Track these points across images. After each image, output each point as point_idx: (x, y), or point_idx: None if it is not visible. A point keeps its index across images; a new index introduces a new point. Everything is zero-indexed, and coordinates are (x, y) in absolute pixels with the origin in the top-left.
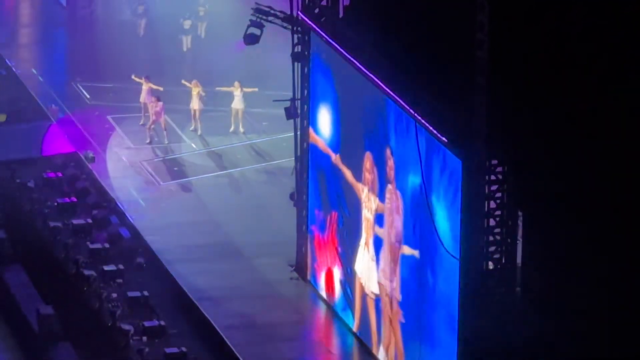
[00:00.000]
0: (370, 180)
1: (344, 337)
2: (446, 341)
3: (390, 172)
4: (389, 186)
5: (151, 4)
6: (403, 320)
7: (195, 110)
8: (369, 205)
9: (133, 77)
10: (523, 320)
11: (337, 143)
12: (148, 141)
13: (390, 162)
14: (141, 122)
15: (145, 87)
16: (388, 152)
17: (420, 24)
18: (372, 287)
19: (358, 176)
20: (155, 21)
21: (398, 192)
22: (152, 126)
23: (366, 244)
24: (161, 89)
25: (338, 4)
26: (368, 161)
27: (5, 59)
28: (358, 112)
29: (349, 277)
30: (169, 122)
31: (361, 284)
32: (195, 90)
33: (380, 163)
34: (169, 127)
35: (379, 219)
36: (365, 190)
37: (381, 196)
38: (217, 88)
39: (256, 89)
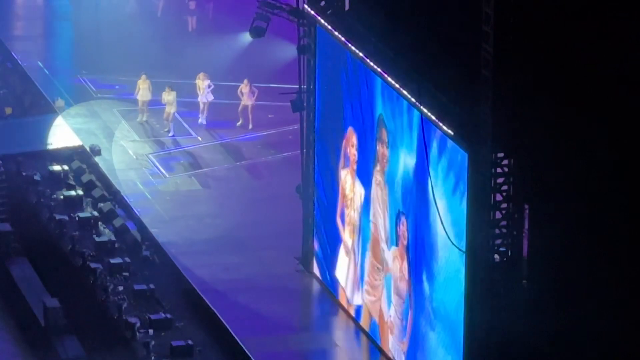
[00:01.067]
0: (355, 160)
1: (349, 329)
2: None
3: (383, 160)
4: (377, 176)
5: None
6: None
7: (204, 104)
8: (354, 203)
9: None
10: (529, 313)
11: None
12: (167, 129)
13: (383, 150)
14: (138, 119)
15: (143, 85)
16: (384, 134)
17: (426, 17)
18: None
19: (336, 161)
20: (161, 15)
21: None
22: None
23: (350, 249)
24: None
25: None
26: (353, 136)
27: (11, 51)
28: (346, 94)
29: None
30: (176, 115)
31: (345, 295)
32: (204, 83)
33: (363, 145)
34: (176, 119)
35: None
36: (349, 180)
37: (364, 182)
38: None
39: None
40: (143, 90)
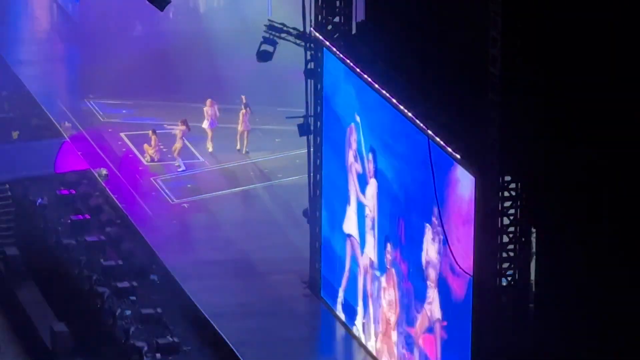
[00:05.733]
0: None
1: (358, 354)
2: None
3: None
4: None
5: (165, 17)
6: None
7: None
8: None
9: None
10: (537, 337)
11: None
12: (178, 165)
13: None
14: (146, 159)
15: (152, 136)
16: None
17: (433, 40)
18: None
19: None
20: (169, 36)
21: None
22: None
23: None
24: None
25: (351, 20)
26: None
27: (19, 75)
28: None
29: None
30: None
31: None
32: (211, 111)
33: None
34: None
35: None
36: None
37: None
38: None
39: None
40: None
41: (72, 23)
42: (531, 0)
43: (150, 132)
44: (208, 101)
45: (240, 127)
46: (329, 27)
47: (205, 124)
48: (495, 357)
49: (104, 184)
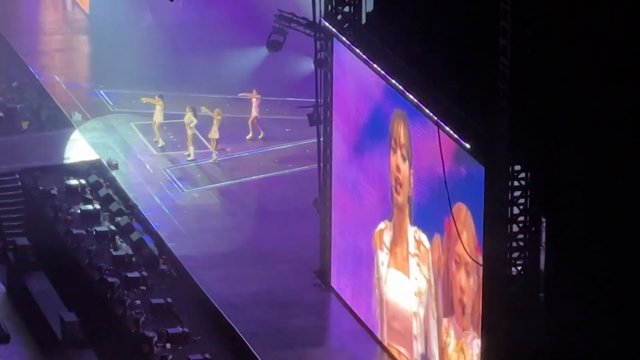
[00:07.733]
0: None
1: (368, 343)
2: None
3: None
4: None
5: (175, 9)
6: None
7: (214, 140)
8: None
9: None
10: (547, 327)
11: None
12: (188, 154)
13: None
14: (158, 144)
15: (158, 105)
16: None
17: (443, 30)
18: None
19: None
20: (178, 26)
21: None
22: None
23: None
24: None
25: (361, 10)
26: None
27: (29, 66)
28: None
29: None
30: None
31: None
32: (217, 118)
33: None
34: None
35: None
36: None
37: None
38: (241, 94)
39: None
40: (157, 112)
41: (82, 13)
42: None
43: (157, 97)
44: (216, 110)
45: (254, 113)
46: (339, 17)
47: (212, 134)
48: (505, 346)
49: (113, 174)
